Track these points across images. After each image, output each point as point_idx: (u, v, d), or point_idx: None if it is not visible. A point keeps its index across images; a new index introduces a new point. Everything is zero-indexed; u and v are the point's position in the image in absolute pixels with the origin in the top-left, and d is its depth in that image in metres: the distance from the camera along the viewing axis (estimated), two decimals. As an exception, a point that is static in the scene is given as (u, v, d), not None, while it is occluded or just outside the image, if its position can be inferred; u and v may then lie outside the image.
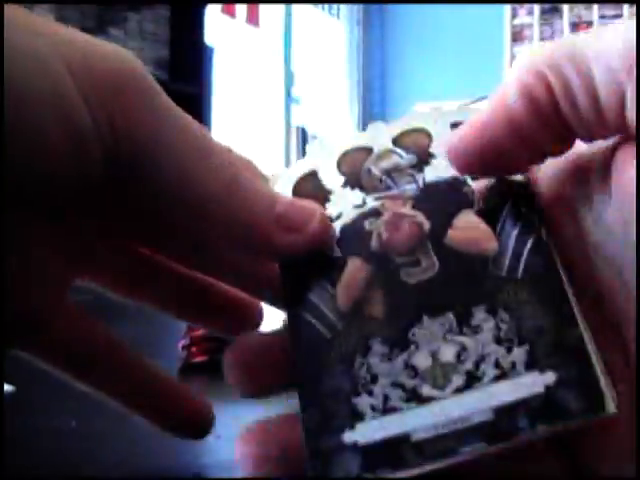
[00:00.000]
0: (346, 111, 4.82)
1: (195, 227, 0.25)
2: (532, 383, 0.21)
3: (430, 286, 0.23)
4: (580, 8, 4.51)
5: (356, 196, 0.25)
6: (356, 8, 4.71)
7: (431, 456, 0.21)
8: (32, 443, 0.38)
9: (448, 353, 0.22)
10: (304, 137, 4.32)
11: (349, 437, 0.22)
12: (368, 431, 0.22)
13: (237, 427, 0.43)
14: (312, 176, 0.26)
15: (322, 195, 0.25)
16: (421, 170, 0.25)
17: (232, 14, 3.71)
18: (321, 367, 0.23)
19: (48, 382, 0.29)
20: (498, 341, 0.22)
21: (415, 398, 0.22)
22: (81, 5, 2.31)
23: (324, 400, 0.23)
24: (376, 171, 0.25)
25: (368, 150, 0.26)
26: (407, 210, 0.25)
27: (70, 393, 0.29)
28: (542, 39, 4.59)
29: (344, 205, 0.25)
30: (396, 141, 0.26)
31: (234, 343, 0.25)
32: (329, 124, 4.61)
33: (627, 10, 4.38)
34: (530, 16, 4.59)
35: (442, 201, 0.24)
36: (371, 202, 0.25)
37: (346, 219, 0.25)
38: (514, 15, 4.60)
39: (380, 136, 0.26)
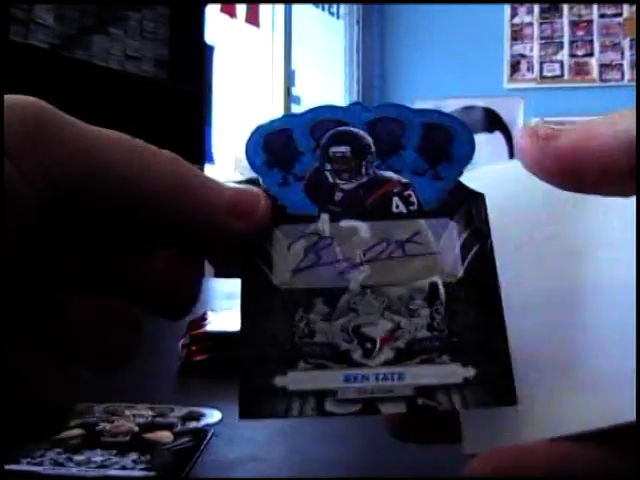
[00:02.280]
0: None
1: (152, 225, 0.24)
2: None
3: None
4: (580, 7, 4.50)
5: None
6: (355, 7, 4.71)
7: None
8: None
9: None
10: (304, 136, 4.31)
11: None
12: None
13: (237, 427, 0.43)
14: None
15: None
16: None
17: (232, 14, 3.71)
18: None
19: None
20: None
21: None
22: (81, 4, 2.31)
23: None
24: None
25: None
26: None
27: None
28: (542, 38, 4.59)
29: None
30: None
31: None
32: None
33: (627, 10, 4.38)
34: (530, 15, 4.59)
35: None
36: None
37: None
38: (514, 14, 4.60)
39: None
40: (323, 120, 0.27)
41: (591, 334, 0.24)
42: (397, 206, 0.26)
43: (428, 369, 0.24)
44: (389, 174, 0.26)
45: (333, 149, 0.27)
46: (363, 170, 0.26)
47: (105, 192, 0.23)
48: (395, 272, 0.25)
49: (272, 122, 0.27)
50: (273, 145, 0.27)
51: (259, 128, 0.27)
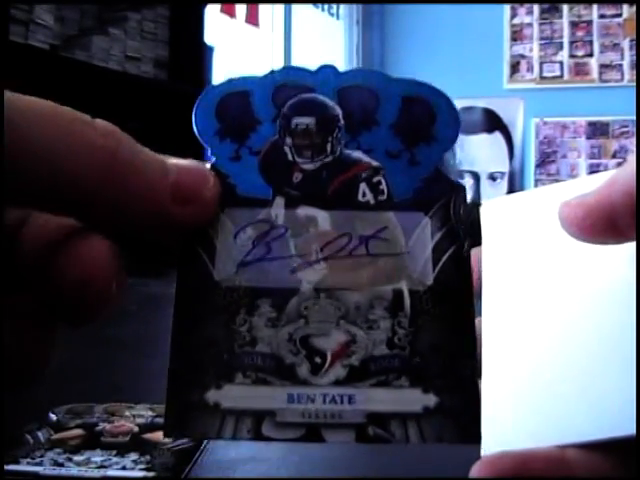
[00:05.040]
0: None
1: (83, 211, 0.20)
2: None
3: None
4: (580, 7, 4.51)
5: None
6: (355, 8, 4.71)
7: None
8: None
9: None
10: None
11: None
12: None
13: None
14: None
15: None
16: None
17: (232, 14, 3.71)
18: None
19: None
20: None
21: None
22: (81, 5, 2.31)
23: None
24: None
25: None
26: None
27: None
28: (542, 38, 4.59)
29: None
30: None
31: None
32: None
33: (627, 10, 4.38)
34: (530, 15, 4.59)
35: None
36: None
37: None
38: (514, 14, 4.60)
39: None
40: (287, 84, 0.23)
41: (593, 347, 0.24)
42: (364, 194, 0.23)
43: (383, 393, 0.21)
44: (358, 155, 0.23)
45: (295, 120, 0.23)
46: (328, 147, 0.23)
47: (17, 170, 0.19)
48: (355, 274, 0.22)
49: (228, 82, 0.23)
50: (227, 111, 0.23)
51: (212, 89, 0.23)
